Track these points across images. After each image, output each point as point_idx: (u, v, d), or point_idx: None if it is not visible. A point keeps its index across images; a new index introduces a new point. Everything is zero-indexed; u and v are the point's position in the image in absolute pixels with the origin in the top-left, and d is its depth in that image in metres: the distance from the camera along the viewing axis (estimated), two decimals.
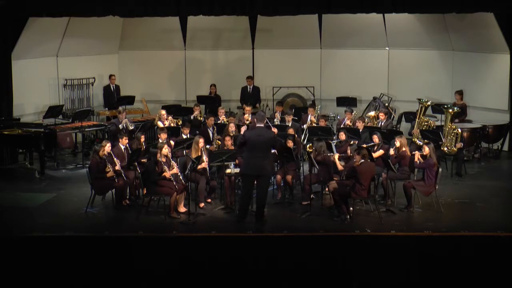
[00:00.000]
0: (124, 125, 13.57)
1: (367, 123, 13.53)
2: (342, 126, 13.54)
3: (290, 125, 13.32)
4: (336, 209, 10.70)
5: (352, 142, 12.27)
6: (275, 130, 12.38)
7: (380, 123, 13.71)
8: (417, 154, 11.08)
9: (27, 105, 15.16)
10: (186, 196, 10.94)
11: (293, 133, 12.39)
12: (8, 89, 14.27)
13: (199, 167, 11.11)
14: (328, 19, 16.34)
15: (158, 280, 9.33)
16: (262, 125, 10.60)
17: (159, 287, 9.36)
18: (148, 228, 10.22)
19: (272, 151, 11.74)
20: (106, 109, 16.37)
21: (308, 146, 12.13)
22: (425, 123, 13.70)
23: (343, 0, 12.68)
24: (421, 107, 13.75)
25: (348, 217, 10.51)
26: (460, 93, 14.97)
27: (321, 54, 17.13)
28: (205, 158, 11.24)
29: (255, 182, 10.41)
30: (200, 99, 16.17)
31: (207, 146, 12.07)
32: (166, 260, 9.45)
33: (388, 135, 12.43)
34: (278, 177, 11.50)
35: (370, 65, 16.72)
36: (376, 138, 11.82)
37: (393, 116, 15.52)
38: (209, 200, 11.44)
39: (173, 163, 10.98)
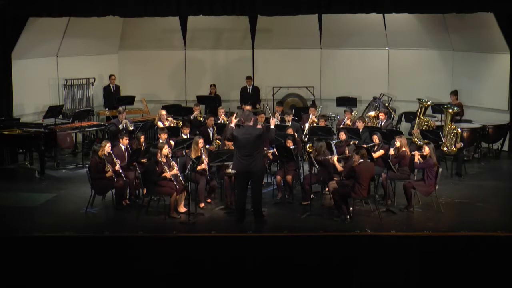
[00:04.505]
0: (124, 125, 13.56)
1: (367, 123, 13.53)
2: (342, 126, 13.54)
3: (290, 125, 13.32)
4: (336, 209, 10.70)
5: (351, 142, 12.27)
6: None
7: (380, 123, 13.71)
8: (417, 154, 11.07)
9: (27, 105, 15.17)
10: (186, 196, 10.93)
11: (292, 133, 12.40)
12: (8, 89, 14.28)
13: (199, 168, 11.11)
14: (328, 19, 16.34)
15: (158, 280, 9.32)
16: (250, 123, 10.61)
17: (159, 287, 9.36)
18: (148, 228, 10.22)
19: (271, 150, 11.80)
20: (106, 109, 16.38)
21: (308, 146, 12.13)
22: (425, 123, 13.70)
23: (343, 0, 12.68)
24: (421, 107, 13.76)
25: (348, 217, 10.51)
26: (455, 93, 14.98)
27: (321, 54, 17.13)
28: (205, 158, 11.24)
29: (249, 181, 10.47)
30: (200, 99, 16.17)
31: (207, 146, 12.07)
32: (166, 260, 9.45)
33: (388, 135, 12.43)
34: (278, 177, 11.49)
35: (370, 65, 16.73)
36: (376, 138, 11.82)
37: (393, 116, 15.52)
38: (209, 200, 11.44)
39: (173, 163, 10.98)
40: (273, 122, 11.14)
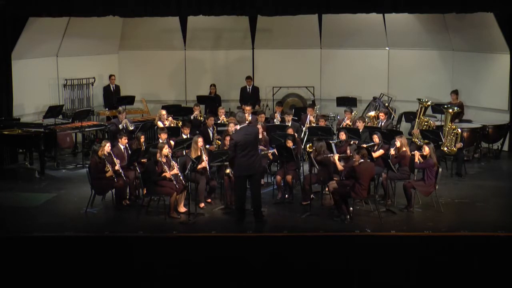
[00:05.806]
0: (124, 125, 13.57)
1: (367, 123, 13.52)
2: (341, 126, 13.54)
3: (290, 125, 13.32)
4: (336, 209, 10.70)
5: (352, 142, 12.27)
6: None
7: (380, 123, 13.71)
8: (417, 154, 11.07)
9: (27, 105, 15.16)
10: (186, 196, 10.94)
11: (292, 133, 12.39)
12: (8, 89, 14.28)
13: (199, 166, 11.11)
14: (328, 19, 16.34)
15: (158, 280, 9.32)
16: (245, 124, 10.64)
17: (159, 287, 9.35)
18: (148, 228, 10.22)
19: (271, 150, 11.80)
20: (106, 109, 16.38)
21: (308, 146, 12.12)
22: (425, 123, 13.70)
23: (343, 0, 12.68)
24: (421, 107, 13.75)
25: (348, 217, 10.51)
26: (455, 92, 14.97)
27: (321, 54, 17.13)
28: (204, 157, 11.24)
29: (248, 181, 10.52)
30: (200, 99, 16.17)
31: (207, 146, 12.07)
32: (166, 260, 9.44)
33: (388, 135, 12.43)
34: (278, 177, 11.49)
35: (370, 65, 16.72)
36: (376, 138, 11.81)
37: (393, 116, 15.52)
38: (209, 200, 11.44)
39: (173, 163, 10.98)
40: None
